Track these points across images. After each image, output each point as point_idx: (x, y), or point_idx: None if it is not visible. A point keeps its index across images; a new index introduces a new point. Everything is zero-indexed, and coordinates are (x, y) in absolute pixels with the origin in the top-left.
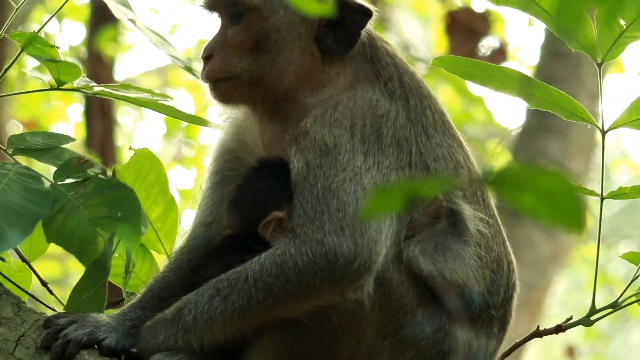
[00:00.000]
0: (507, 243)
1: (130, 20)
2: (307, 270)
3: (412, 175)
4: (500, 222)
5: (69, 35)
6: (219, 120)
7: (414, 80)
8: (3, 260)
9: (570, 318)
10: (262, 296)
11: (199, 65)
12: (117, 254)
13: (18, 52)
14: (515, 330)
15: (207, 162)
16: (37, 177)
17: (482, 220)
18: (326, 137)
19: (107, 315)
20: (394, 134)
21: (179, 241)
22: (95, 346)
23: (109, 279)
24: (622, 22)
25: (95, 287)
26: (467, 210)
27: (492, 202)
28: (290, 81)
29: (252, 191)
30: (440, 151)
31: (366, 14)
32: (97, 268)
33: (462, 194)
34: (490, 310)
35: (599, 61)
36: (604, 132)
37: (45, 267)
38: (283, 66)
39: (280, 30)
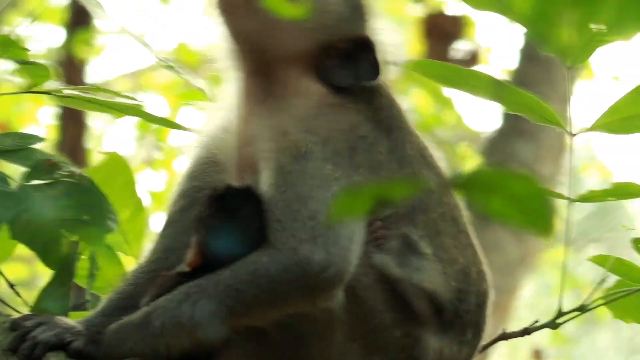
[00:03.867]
0: (479, 254)
1: (109, 19)
2: (280, 278)
3: None
4: (471, 235)
5: (43, 38)
6: (193, 136)
7: (402, 116)
8: None
9: (537, 321)
10: (232, 303)
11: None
12: (83, 257)
13: None
14: None
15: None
16: (3, 178)
17: (440, 239)
18: (300, 142)
19: (72, 320)
20: (368, 157)
21: (142, 257)
22: (62, 349)
23: (74, 281)
24: (593, 26)
25: (62, 289)
26: (414, 234)
27: (463, 219)
28: (284, 50)
29: (241, 225)
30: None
31: (375, 74)
32: (63, 271)
33: (422, 218)
34: (462, 317)
35: (568, 64)
36: (572, 136)
37: (13, 269)
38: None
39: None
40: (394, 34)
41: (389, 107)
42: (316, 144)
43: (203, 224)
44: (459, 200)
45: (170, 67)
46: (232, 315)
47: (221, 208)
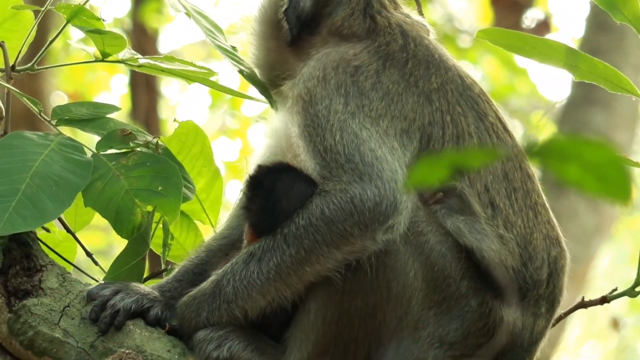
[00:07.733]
0: (544, 217)
1: (186, 13)
2: (336, 217)
3: (409, 130)
4: (531, 196)
5: (113, 7)
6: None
7: (425, 50)
8: (48, 230)
9: (615, 289)
10: (294, 250)
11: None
12: (160, 226)
13: (63, 24)
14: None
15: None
16: (79, 147)
17: (489, 197)
18: (302, 92)
19: (146, 287)
20: (375, 83)
21: (218, 226)
22: (140, 317)
23: (152, 249)
24: None
25: (136, 259)
26: (466, 190)
27: (518, 175)
28: (273, 68)
29: (284, 196)
30: (441, 117)
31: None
32: (138, 241)
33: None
34: (533, 289)
35: None
36: None
37: (90, 238)
38: (264, 54)
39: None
40: None
41: (406, 44)
42: (316, 86)
43: (247, 207)
44: (513, 151)
45: (240, 72)
46: (297, 263)
47: (258, 187)
